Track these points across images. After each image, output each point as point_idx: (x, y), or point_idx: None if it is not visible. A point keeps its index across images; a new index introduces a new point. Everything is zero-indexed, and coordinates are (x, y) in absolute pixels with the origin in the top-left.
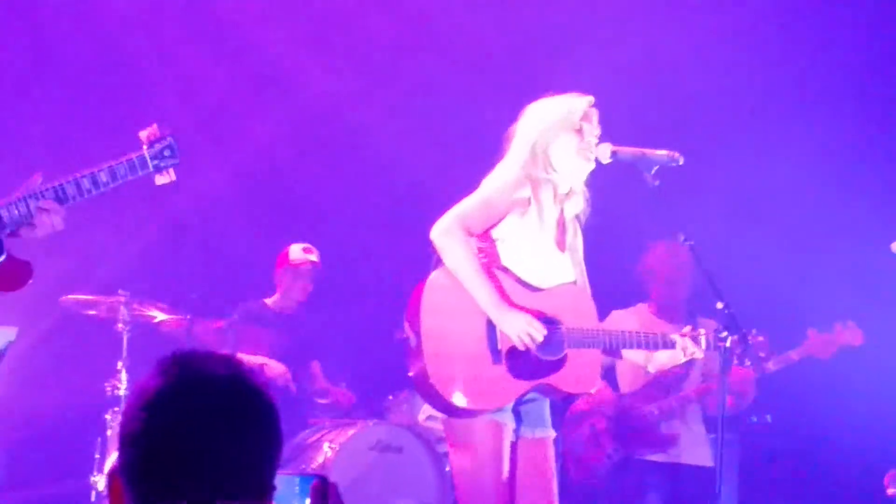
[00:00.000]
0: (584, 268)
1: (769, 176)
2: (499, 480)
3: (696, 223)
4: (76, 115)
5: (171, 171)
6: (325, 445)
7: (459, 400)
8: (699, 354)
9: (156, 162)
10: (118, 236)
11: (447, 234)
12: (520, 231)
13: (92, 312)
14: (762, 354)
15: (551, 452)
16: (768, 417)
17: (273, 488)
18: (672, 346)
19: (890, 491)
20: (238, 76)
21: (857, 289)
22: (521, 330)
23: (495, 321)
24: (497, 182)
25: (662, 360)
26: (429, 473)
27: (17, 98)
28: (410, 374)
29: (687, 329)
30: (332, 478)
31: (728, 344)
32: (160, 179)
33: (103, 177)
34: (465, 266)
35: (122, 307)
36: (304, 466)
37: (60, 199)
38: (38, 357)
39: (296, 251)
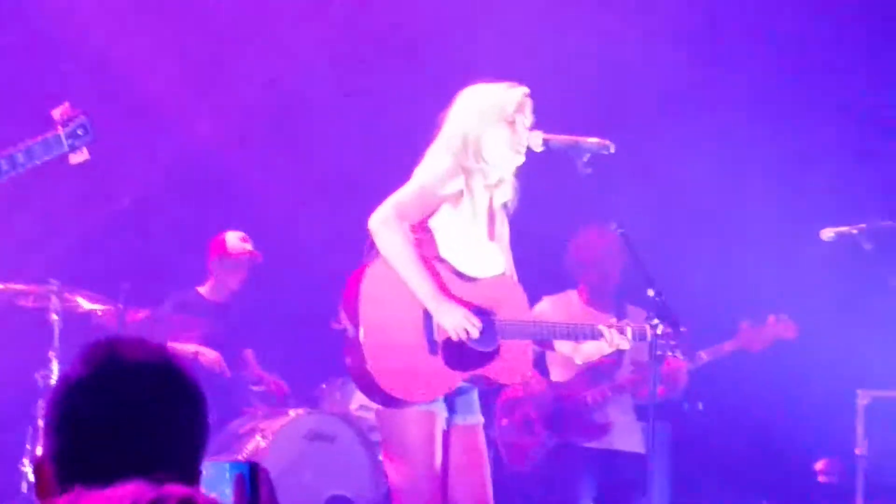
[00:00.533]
0: (510, 256)
1: (701, 165)
2: (431, 470)
3: (627, 211)
4: None
5: (85, 149)
6: (258, 435)
7: (397, 391)
8: (625, 345)
9: (70, 141)
10: (49, 224)
11: (385, 223)
12: (454, 221)
13: (22, 302)
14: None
15: (482, 438)
16: (700, 405)
17: (200, 473)
18: (600, 336)
19: (821, 478)
20: (172, 61)
21: (790, 279)
22: (457, 323)
23: (432, 312)
24: (431, 171)
25: (589, 350)
26: (362, 462)
27: None
28: (347, 363)
29: (613, 320)
30: (265, 467)
31: (659, 331)
32: (75, 158)
33: (20, 157)
34: (402, 256)
35: (53, 296)
36: (236, 455)
37: None
38: None
39: (233, 240)
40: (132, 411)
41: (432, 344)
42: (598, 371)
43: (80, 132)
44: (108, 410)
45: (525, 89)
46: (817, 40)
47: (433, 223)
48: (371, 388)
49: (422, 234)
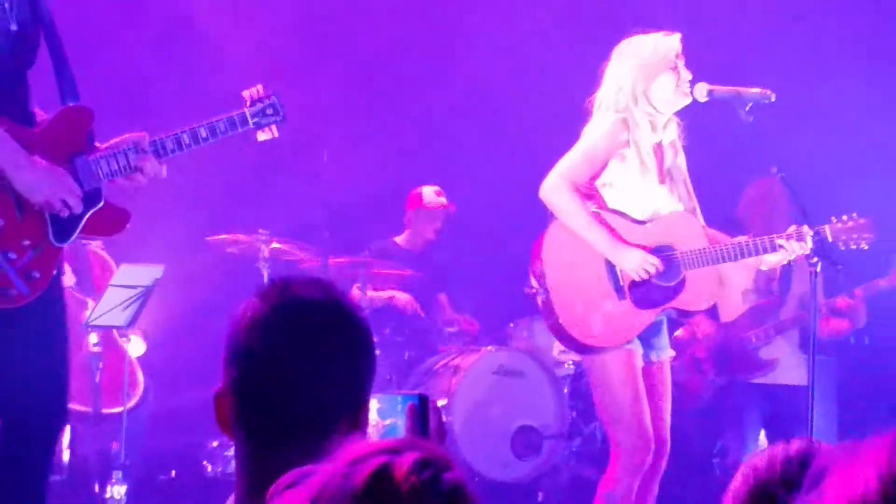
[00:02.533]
0: (687, 187)
1: (857, 100)
2: (638, 404)
3: (783, 153)
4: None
5: (274, 127)
6: (451, 371)
7: (597, 341)
8: (805, 250)
9: (256, 119)
10: (258, 179)
11: (554, 190)
12: (622, 174)
13: (234, 250)
14: (867, 235)
15: (668, 373)
16: (866, 339)
17: (367, 406)
18: (780, 248)
19: None
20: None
21: None
22: (637, 264)
23: (612, 260)
24: (596, 132)
25: (773, 260)
26: (547, 396)
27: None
28: (546, 323)
29: (792, 229)
30: (457, 400)
31: (818, 269)
32: (262, 136)
33: (203, 132)
34: (576, 216)
35: (262, 245)
36: (431, 390)
37: (159, 152)
38: (185, 293)
39: (429, 194)
40: (305, 346)
41: (619, 290)
42: (762, 311)
43: (269, 111)
44: (283, 345)
45: (679, 35)
46: None
47: (602, 181)
48: (573, 344)
49: (590, 192)
